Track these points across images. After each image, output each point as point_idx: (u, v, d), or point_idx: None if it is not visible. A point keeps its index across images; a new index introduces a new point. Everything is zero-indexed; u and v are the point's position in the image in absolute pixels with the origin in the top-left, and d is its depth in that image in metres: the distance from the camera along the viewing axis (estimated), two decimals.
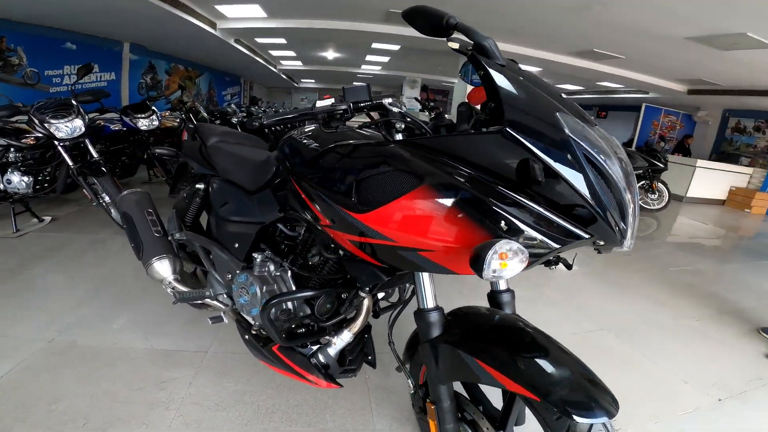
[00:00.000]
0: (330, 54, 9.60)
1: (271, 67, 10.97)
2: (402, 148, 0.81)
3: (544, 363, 0.76)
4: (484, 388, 1.08)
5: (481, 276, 0.65)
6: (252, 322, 1.30)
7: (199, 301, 1.45)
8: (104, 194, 2.86)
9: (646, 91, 9.09)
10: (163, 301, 1.91)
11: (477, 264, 0.65)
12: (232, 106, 6.23)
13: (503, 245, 0.64)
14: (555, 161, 0.66)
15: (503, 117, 0.69)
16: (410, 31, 6.13)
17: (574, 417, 0.69)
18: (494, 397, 1.07)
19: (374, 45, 7.56)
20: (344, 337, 1.11)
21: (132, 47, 7.28)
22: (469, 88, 7.15)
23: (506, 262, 0.65)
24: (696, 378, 1.74)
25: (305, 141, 1.04)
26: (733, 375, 1.80)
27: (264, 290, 1.17)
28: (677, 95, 8.61)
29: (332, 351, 1.12)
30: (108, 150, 4.07)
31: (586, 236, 0.69)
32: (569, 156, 0.66)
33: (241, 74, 13.12)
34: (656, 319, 2.33)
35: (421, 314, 0.91)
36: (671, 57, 5.55)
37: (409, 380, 1.09)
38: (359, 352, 1.20)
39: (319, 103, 0.91)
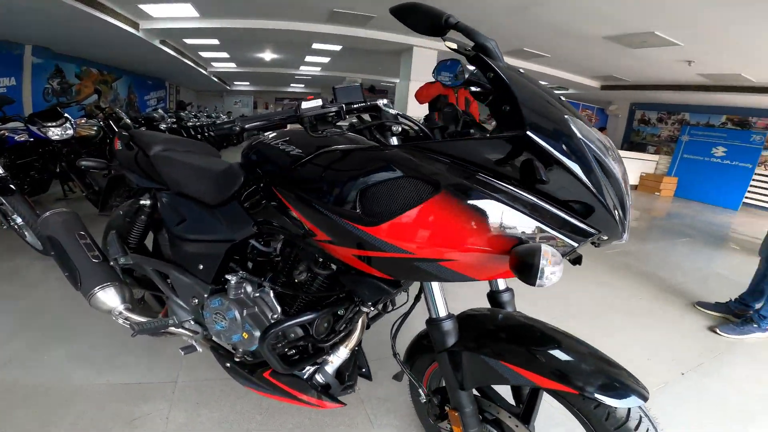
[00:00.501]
0: (267, 55, 9.23)
1: (201, 70, 10.27)
2: (409, 153, 0.75)
3: (567, 355, 0.77)
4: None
5: (533, 284, 0.61)
6: (232, 350, 1.17)
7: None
8: (15, 215, 2.45)
9: (566, 87, 9.95)
10: (109, 331, 1.67)
11: (529, 272, 0.61)
12: (159, 111, 5.71)
13: (548, 249, 0.61)
14: (571, 162, 0.66)
15: (523, 120, 0.66)
16: (352, 31, 6.11)
17: (614, 404, 0.70)
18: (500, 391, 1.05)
19: (315, 45, 7.40)
20: (341, 354, 1.05)
21: (35, 50, 6.43)
22: (414, 87, 7.32)
23: (553, 266, 0.62)
24: (656, 355, 1.89)
25: (283, 147, 0.93)
26: (686, 349, 1.98)
27: (245, 314, 1.05)
28: (592, 90, 9.54)
29: (330, 369, 1.05)
30: (14, 164, 3.49)
31: (595, 232, 0.69)
32: (583, 158, 0.66)
33: (166, 77, 12.14)
34: (607, 300, 2.51)
35: (434, 324, 0.87)
36: (590, 55, 6.11)
37: (420, 389, 1.05)
38: (354, 366, 1.14)
39: (305, 105, 0.81)
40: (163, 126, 4.87)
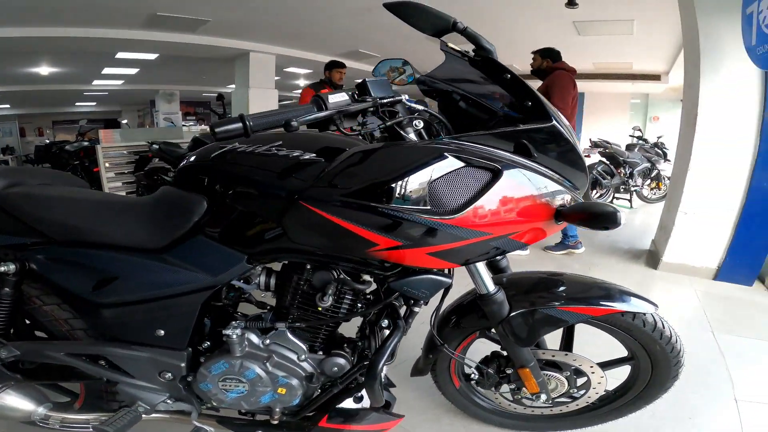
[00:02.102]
0: (43, 69, 7.12)
1: None
2: (455, 145, 0.78)
3: (596, 289, 0.97)
4: None
5: (618, 225, 0.74)
6: (269, 414, 0.97)
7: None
8: None
9: None
10: None
11: (614, 217, 0.74)
12: None
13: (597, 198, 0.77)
14: (572, 139, 0.83)
15: (549, 113, 0.80)
16: (177, 37, 5.34)
17: (646, 310, 0.94)
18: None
19: (120, 55, 6.14)
20: (380, 364, 0.90)
21: None
22: (254, 93, 6.92)
23: None
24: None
25: (287, 152, 0.79)
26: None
27: (270, 368, 0.89)
28: (416, 89, 10.96)
29: (376, 385, 0.93)
30: None
31: (579, 188, 0.89)
32: (573, 137, 0.84)
33: None
34: None
35: (488, 298, 0.94)
36: (415, 54, 6.98)
37: (471, 366, 1.11)
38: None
39: (333, 98, 0.75)
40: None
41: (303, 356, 0.90)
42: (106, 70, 7.45)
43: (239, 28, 5.06)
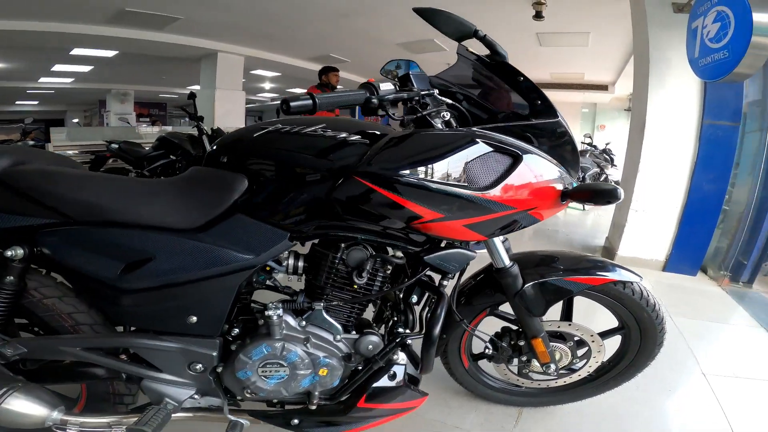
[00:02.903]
0: None
1: None
2: (481, 133, 0.87)
3: (591, 262, 1.10)
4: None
5: (619, 199, 0.86)
6: (308, 400, 0.97)
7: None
8: None
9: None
10: None
11: (616, 193, 0.86)
12: None
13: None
14: (569, 131, 0.96)
15: (556, 112, 0.92)
16: (142, 34, 5.12)
17: (634, 279, 1.08)
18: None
19: (76, 51, 5.76)
20: (436, 332, 0.96)
21: None
22: (220, 94, 6.73)
23: None
24: None
25: (334, 134, 0.83)
26: None
27: (311, 349, 0.90)
28: None
29: (432, 351, 0.99)
30: None
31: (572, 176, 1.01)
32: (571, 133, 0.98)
33: None
34: None
35: (504, 272, 1.04)
36: (383, 59, 7.11)
37: (486, 340, 1.18)
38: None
39: (383, 87, 0.83)
40: None
41: (338, 336, 0.92)
42: (57, 67, 6.97)
43: (210, 27, 4.94)
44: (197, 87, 7.04)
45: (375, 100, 0.82)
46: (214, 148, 0.91)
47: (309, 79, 9.38)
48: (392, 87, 0.84)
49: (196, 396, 0.94)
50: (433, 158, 0.80)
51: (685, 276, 2.98)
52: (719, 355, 1.83)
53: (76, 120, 13.29)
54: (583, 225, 4.72)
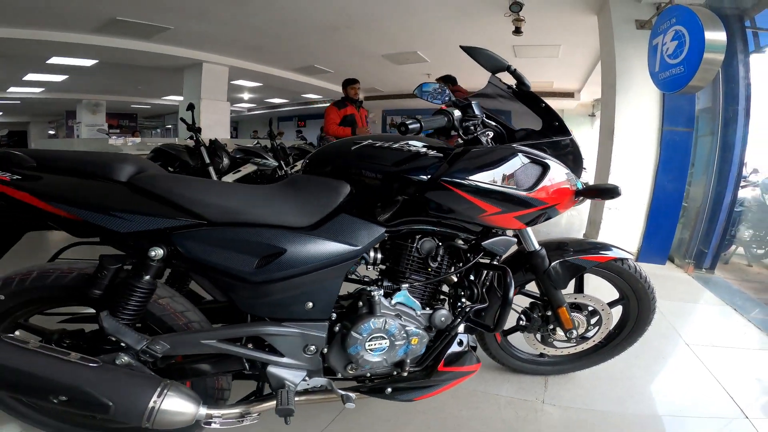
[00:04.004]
0: None
1: None
2: (518, 148, 1.10)
3: (594, 244, 1.36)
4: None
5: (620, 195, 1.11)
6: (399, 369, 1.11)
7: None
8: None
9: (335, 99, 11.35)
10: None
11: (617, 191, 1.11)
12: None
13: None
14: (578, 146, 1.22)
15: (568, 130, 1.18)
16: (127, 43, 5.08)
17: (629, 256, 1.33)
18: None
19: (53, 60, 5.62)
20: (511, 298, 1.12)
21: None
22: (205, 104, 6.71)
23: None
24: None
25: (413, 148, 1.03)
26: None
27: (404, 321, 1.04)
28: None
29: (507, 312, 1.14)
30: None
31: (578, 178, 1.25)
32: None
33: None
34: None
35: (535, 254, 1.26)
36: (366, 71, 7.35)
37: (519, 312, 1.39)
38: None
39: (456, 113, 1.09)
40: None
41: (419, 312, 1.08)
42: (30, 77, 6.73)
43: (197, 37, 4.98)
44: (179, 97, 7.01)
45: (449, 124, 1.06)
46: (309, 159, 1.10)
47: (289, 89, 9.51)
48: (460, 114, 1.08)
49: (306, 378, 1.05)
50: (491, 167, 1.04)
51: (656, 265, 3.31)
52: (696, 329, 2.13)
53: (52, 131, 12.67)
54: (558, 224, 5.07)
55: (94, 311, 0.96)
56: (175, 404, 0.85)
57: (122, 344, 0.87)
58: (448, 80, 3.84)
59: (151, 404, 0.81)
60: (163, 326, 0.97)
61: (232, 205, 0.94)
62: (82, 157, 0.94)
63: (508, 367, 1.52)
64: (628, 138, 3.35)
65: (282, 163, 4.30)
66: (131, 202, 0.88)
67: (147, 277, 0.90)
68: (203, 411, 0.91)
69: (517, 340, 1.51)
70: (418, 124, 0.97)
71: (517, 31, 3.81)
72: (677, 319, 2.19)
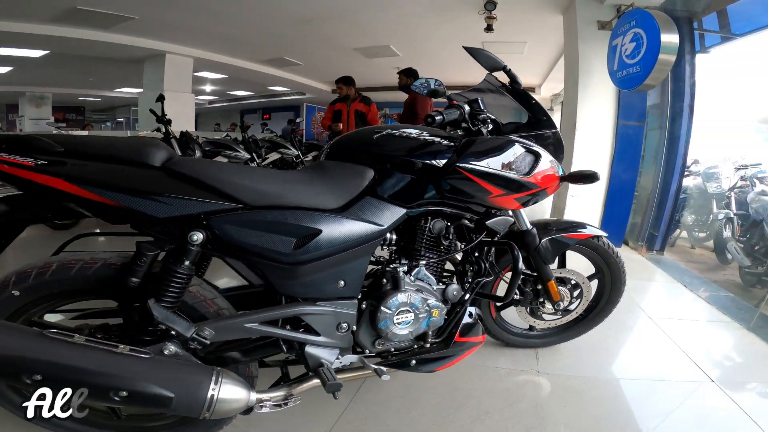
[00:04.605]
0: None
1: None
2: (514, 139, 1.23)
3: (574, 222, 1.54)
4: None
5: (598, 180, 1.30)
6: (422, 341, 1.20)
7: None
8: None
9: (303, 92, 11.18)
10: None
11: (596, 176, 1.29)
12: None
13: None
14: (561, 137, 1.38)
15: (554, 124, 1.34)
16: (82, 33, 4.74)
17: (603, 234, 1.51)
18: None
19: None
20: (520, 270, 1.26)
21: None
22: (169, 96, 6.40)
23: None
24: None
25: (430, 137, 1.14)
26: None
27: (425, 295, 1.13)
28: (324, 94, 11.16)
29: (516, 283, 1.28)
30: None
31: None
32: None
33: None
34: None
35: (527, 233, 1.40)
36: (336, 63, 7.30)
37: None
38: None
39: (466, 108, 1.24)
40: None
41: (434, 286, 1.18)
42: None
43: (160, 27, 4.76)
44: (133, 89, 6.65)
45: (461, 117, 1.20)
46: (332, 147, 1.17)
47: (255, 81, 9.26)
48: (469, 108, 1.21)
49: (339, 357, 1.09)
50: (496, 155, 1.16)
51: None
52: (655, 304, 2.40)
53: None
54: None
55: (116, 304, 0.97)
56: (231, 391, 0.84)
57: (172, 332, 0.86)
58: (409, 73, 3.93)
59: (210, 393, 0.81)
60: (195, 314, 0.96)
61: (269, 189, 0.97)
62: (112, 142, 0.91)
63: (502, 341, 1.67)
64: (588, 131, 3.63)
65: (254, 155, 4.32)
66: (169, 186, 0.87)
67: (187, 263, 0.89)
68: (254, 396, 0.92)
69: (509, 315, 1.66)
70: (441, 116, 1.14)
71: (489, 28, 3.98)
72: (638, 295, 2.45)
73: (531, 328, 1.66)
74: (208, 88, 10.31)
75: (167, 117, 3.77)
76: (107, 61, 6.15)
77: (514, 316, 1.63)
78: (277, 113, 13.29)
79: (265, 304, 1.03)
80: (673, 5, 3.27)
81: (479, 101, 1.25)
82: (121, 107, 13.46)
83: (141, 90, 6.62)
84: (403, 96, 4.12)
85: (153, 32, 4.99)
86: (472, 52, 1.28)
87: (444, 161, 1.11)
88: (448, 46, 5.68)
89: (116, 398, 0.76)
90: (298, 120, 6.23)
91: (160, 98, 3.67)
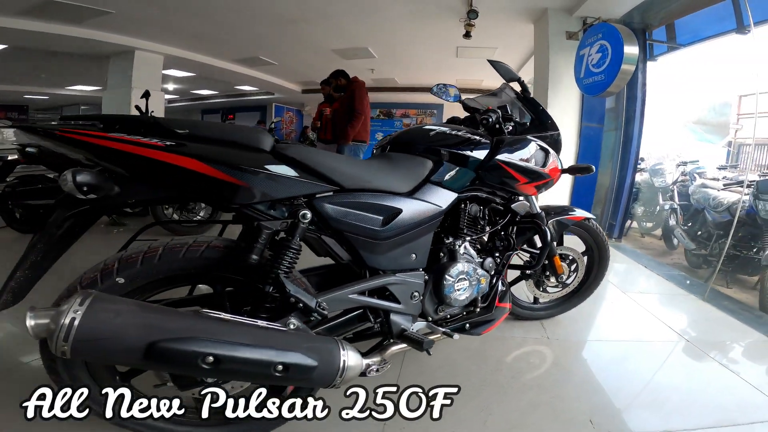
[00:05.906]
0: None
1: None
2: (529, 137, 1.47)
3: (570, 207, 1.81)
4: None
5: (593, 172, 1.58)
6: (473, 306, 1.40)
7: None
8: None
9: (272, 92, 11.03)
10: None
11: (591, 169, 1.59)
12: None
13: None
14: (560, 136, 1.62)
15: (557, 127, 1.58)
16: (45, 27, 4.45)
17: (592, 216, 1.79)
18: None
19: None
20: (549, 243, 1.53)
21: None
22: (136, 94, 6.12)
23: None
24: None
25: (466, 135, 1.34)
26: None
27: (475, 264, 1.32)
28: (294, 94, 11.07)
29: (546, 250, 1.54)
30: None
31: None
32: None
33: None
34: None
35: (538, 216, 1.59)
36: (310, 64, 7.31)
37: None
38: None
39: (500, 111, 1.46)
40: None
41: (476, 259, 1.37)
42: None
43: (134, 23, 4.60)
44: (88, 87, 6.31)
45: (497, 119, 1.41)
46: (394, 140, 1.35)
47: (223, 79, 9.03)
48: (500, 112, 1.42)
49: (411, 324, 1.19)
50: (522, 150, 1.40)
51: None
52: (625, 282, 2.77)
53: None
54: None
55: (211, 289, 1.01)
56: (354, 358, 0.90)
57: (299, 305, 0.92)
58: (340, 74, 4.13)
59: (342, 359, 0.87)
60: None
61: (360, 174, 1.10)
62: (224, 127, 0.96)
63: (512, 315, 1.88)
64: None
65: None
66: (283, 169, 0.95)
67: (298, 239, 0.96)
68: (369, 361, 1.01)
69: (516, 291, 1.88)
70: (491, 118, 1.41)
71: (467, 35, 4.25)
72: (609, 275, 2.78)
73: (535, 300, 1.90)
74: (170, 86, 9.91)
75: (152, 114, 3.70)
76: (68, 57, 5.80)
77: (519, 293, 1.87)
78: (242, 113, 12.84)
79: (330, 284, 1.11)
80: (631, 18, 3.70)
81: (507, 107, 1.49)
82: (69, 106, 12.54)
83: (100, 87, 6.29)
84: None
85: (125, 28, 4.79)
86: (495, 65, 1.50)
87: (484, 154, 1.32)
88: (423, 49, 5.93)
89: (276, 373, 0.79)
90: (275, 120, 6.20)
91: (146, 95, 3.61)
